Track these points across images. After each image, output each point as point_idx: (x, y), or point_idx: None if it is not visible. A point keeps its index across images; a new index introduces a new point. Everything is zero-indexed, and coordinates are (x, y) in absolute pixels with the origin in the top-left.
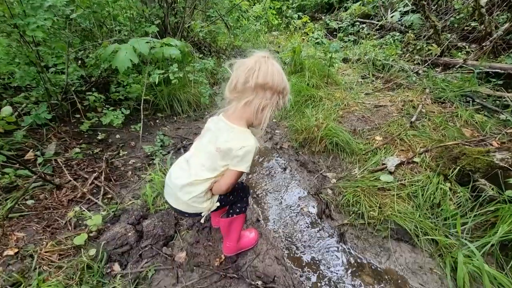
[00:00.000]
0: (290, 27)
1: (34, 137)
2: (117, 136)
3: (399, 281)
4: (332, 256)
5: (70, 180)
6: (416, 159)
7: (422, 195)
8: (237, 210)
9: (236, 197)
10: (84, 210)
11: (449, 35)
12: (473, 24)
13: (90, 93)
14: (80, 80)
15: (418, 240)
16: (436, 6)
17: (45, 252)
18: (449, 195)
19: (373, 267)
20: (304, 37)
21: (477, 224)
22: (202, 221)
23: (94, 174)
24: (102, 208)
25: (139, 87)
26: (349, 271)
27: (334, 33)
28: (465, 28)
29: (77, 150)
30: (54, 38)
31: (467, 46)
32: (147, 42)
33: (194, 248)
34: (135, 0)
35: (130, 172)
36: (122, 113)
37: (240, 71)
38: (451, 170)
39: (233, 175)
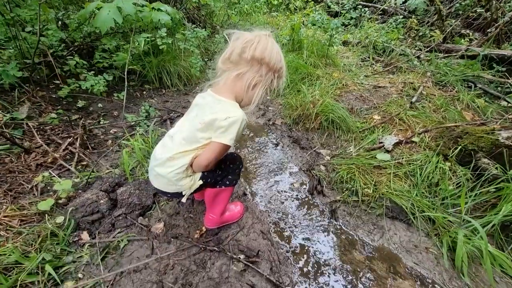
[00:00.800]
0: (290, 6)
1: (6, 99)
2: (99, 105)
3: (392, 260)
4: (321, 232)
5: (42, 145)
6: (415, 139)
7: (420, 174)
8: (227, 182)
9: (224, 172)
10: (54, 176)
11: (453, 20)
12: (478, 10)
13: (71, 57)
14: (61, 44)
15: (414, 218)
16: None
17: (4, 216)
18: (449, 175)
19: (365, 245)
20: (304, 18)
21: (477, 205)
22: (183, 200)
23: (69, 140)
24: (75, 175)
25: (126, 56)
26: (339, 248)
27: (336, 17)
28: (470, 15)
29: (53, 115)
30: None
31: (470, 33)
32: (134, 4)
33: (173, 219)
34: None
35: (110, 141)
36: (105, 79)
37: (238, 42)
38: (451, 150)
39: (215, 148)
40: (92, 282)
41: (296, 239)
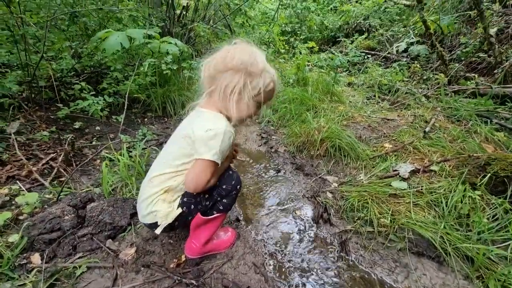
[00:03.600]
0: (296, 51)
1: (1, 116)
2: (97, 127)
3: None
4: (329, 268)
5: (21, 159)
6: (434, 167)
7: (446, 203)
8: (220, 207)
9: (212, 196)
10: (22, 190)
11: (456, 64)
12: (481, 55)
13: (78, 82)
14: (71, 71)
15: (446, 255)
16: (441, 40)
17: None
18: (481, 205)
19: (386, 286)
20: (309, 62)
21: None
22: (157, 231)
23: (52, 155)
24: (48, 191)
25: (132, 85)
26: None
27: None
28: (473, 60)
29: (45, 133)
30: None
31: (476, 76)
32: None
33: (149, 245)
34: (143, 5)
35: (99, 161)
36: (105, 100)
37: (215, 56)
38: (479, 178)
39: (198, 166)
40: None
41: (296, 276)
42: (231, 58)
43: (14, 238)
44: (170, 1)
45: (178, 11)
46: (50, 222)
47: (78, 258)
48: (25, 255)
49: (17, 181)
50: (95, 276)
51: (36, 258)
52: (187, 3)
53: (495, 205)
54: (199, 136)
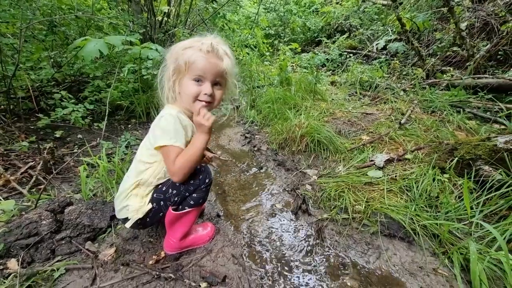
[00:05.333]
0: (279, 53)
1: None
2: (79, 136)
3: (393, 285)
4: (305, 255)
5: None
6: (408, 156)
7: (417, 188)
8: (191, 202)
9: (180, 191)
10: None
11: (433, 59)
12: (455, 49)
13: (58, 92)
14: (51, 81)
15: (415, 235)
16: (418, 37)
17: None
18: (449, 187)
19: (359, 268)
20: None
21: (486, 218)
22: (127, 225)
23: (31, 163)
24: (26, 199)
25: (115, 93)
26: (328, 272)
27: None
28: (448, 54)
29: (24, 143)
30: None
31: (451, 69)
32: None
33: (129, 244)
34: (123, 13)
35: (79, 168)
36: (85, 107)
37: None
38: (448, 162)
39: (163, 154)
40: None
41: (274, 263)
42: (168, 52)
43: None
44: (150, 8)
45: (159, 18)
46: (27, 227)
47: (57, 261)
48: (1, 261)
49: None
50: (74, 277)
51: (12, 263)
52: (168, 9)
53: (462, 186)
54: (157, 127)
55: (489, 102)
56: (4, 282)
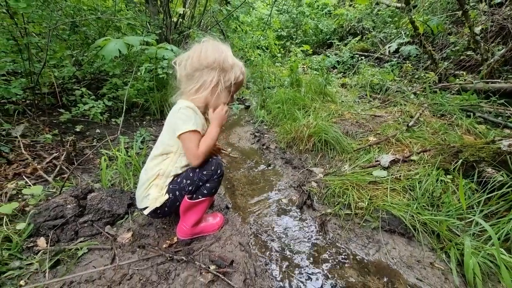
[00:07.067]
0: (291, 55)
1: (7, 120)
2: (97, 130)
3: (391, 275)
4: (308, 246)
5: (27, 159)
6: (414, 158)
7: (420, 187)
8: (204, 191)
9: (194, 182)
10: (29, 185)
11: (446, 63)
12: (469, 53)
13: (79, 89)
14: (72, 78)
15: (415, 231)
16: (432, 40)
17: None
18: (452, 188)
19: (358, 259)
20: (304, 65)
21: (486, 218)
22: (145, 212)
23: (55, 154)
24: (51, 185)
25: (131, 90)
26: (328, 262)
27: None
28: (463, 58)
29: (48, 136)
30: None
31: (464, 74)
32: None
33: (144, 229)
34: (141, 14)
35: (99, 160)
36: (104, 103)
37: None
38: (452, 164)
39: (184, 140)
40: None
41: (278, 252)
42: (205, 57)
43: (21, 226)
44: (166, 10)
45: (174, 19)
46: (54, 210)
47: (80, 242)
48: (32, 239)
49: (24, 177)
50: (95, 256)
51: (42, 241)
52: (183, 10)
53: (464, 187)
54: (175, 114)
55: (501, 107)
56: (35, 257)
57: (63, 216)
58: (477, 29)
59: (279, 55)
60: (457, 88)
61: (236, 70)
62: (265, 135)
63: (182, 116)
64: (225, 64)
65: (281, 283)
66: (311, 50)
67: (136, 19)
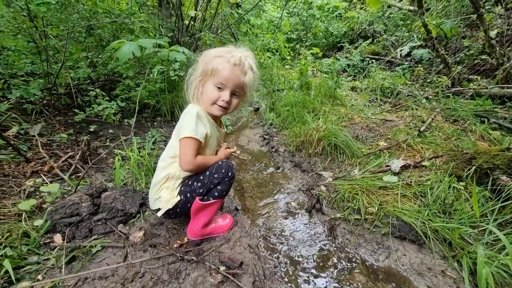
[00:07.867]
0: (300, 57)
1: (26, 120)
2: (110, 130)
3: (401, 282)
4: (317, 250)
5: (44, 157)
6: (425, 163)
7: (431, 194)
8: (215, 194)
9: (205, 184)
10: (46, 182)
11: (459, 67)
12: (484, 57)
13: (93, 90)
14: (87, 79)
15: (426, 238)
16: (445, 44)
17: None
18: (465, 195)
19: (367, 265)
20: (313, 68)
21: (500, 227)
22: (159, 214)
23: (70, 153)
24: (67, 184)
25: (143, 92)
26: (337, 267)
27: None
28: (477, 62)
29: (64, 135)
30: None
31: (478, 78)
32: (154, 44)
33: (156, 229)
34: (154, 17)
35: (112, 160)
36: (117, 104)
37: None
38: (465, 171)
39: (182, 144)
40: (50, 284)
41: (287, 255)
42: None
43: (39, 222)
44: (178, 13)
45: (186, 22)
46: (70, 208)
47: (94, 239)
48: (48, 235)
49: (41, 175)
50: (109, 254)
51: (58, 238)
52: (195, 13)
53: (478, 195)
54: (180, 120)
55: None
56: (51, 253)
57: (78, 214)
58: (492, 33)
59: (288, 57)
60: (471, 93)
61: (218, 61)
62: (274, 138)
63: (186, 120)
64: (209, 54)
65: (290, 286)
66: (321, 53)
67: (149, 22)
